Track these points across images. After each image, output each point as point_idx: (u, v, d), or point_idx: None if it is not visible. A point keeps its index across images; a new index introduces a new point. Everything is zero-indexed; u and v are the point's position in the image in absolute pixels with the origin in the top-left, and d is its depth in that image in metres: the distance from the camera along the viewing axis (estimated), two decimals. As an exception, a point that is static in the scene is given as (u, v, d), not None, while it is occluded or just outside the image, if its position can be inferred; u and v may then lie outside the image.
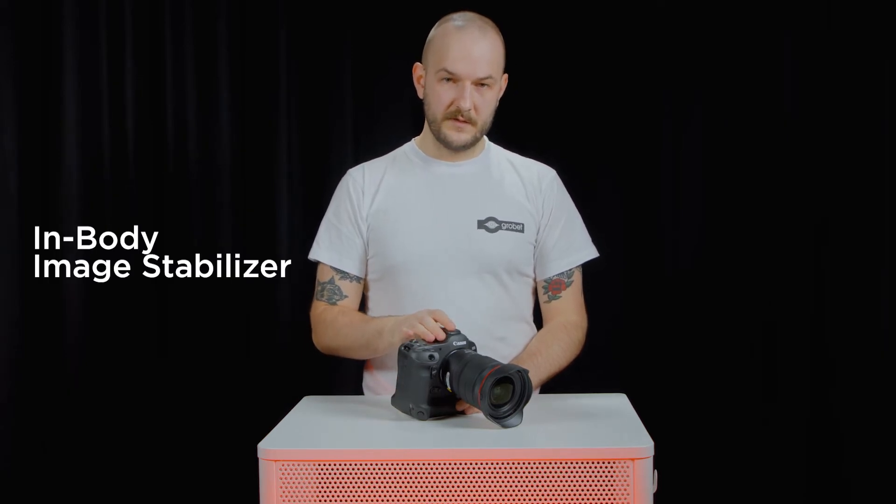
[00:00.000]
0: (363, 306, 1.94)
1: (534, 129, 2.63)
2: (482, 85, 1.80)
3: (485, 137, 1.96)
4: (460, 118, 1.81)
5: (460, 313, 1.68)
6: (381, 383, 1.89)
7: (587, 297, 1.94)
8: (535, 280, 1.93)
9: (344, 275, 1.89)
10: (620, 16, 2.65)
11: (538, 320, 1.94)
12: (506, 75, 1.89)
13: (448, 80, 1.80)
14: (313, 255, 1.93)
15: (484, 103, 1.82)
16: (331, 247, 1.90)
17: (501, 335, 1.86)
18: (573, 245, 1.92)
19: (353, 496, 1.34)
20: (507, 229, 1.87)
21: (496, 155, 1.96)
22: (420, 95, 1.89)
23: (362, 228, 1.89)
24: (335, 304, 1.89)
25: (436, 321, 1.61)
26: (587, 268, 1.95)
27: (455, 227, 1.85)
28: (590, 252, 1.95)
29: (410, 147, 1.96)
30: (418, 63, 1.88)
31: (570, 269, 1.91)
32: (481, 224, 1.86)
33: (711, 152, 2.64)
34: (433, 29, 1.86)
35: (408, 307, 1.80)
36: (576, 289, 1.92)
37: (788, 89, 2.61)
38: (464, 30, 1.80)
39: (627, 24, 2.65)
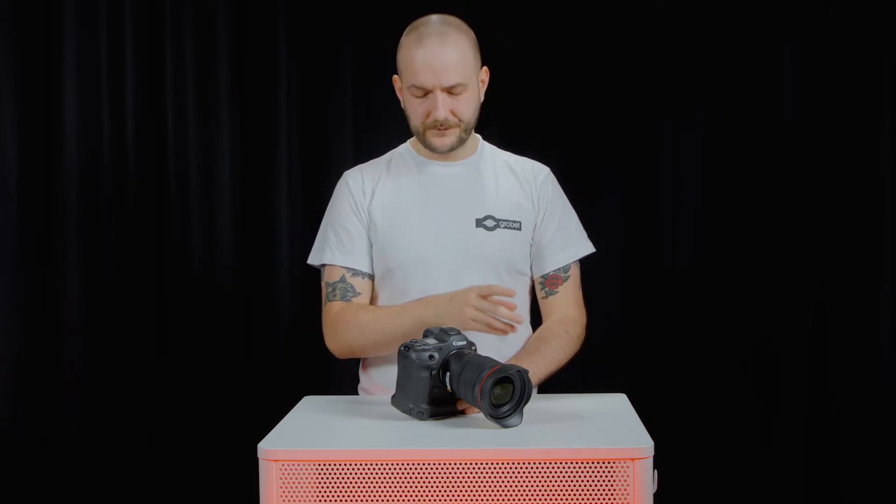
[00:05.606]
0: None
1: (534, 129, 2.64)
2: (455, 93, 1.78)
3: (478, 137, 1.96)
4: (440, 126, 1.80)
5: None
6: (375, 382, 1.89)
7: (587, 295, 1.94)
8: (532, 278, 1.93)
9: (355, 272, 1.87)
10: (621, 16, 2.65)
11: (535, 320, 1.93)
12: (485, 68, 1.87)
13: (420, 93, 1.79)
14: (321, 259, 1.89)
15: (461, 106, 1.80)
16: (339, 247, 1.88)
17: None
18: (569, 240, 1.92)
19: (353, 496, 1.34)
20: (506, 227, 1.87)
21: (490, 154, 1.95)
22: (402, 106, 1.87)
23: (367, 225, 1.89)
24: (350, 301, 1.86)
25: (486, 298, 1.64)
26: (587, 266, 1.95)
27: (453, 227, 1.85)
28: (586, 247, 1.95)
29: (405, 148, 1.96)
30: (396, 75, 1.86)
31: (566, 265, 1.91)
32: (479, 223, 1.86)
33: (711, 152, 2.65)
34: (402, 38, 1.83)
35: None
36: (573, 284, 1.92)
37: (788, 90, 2.61)
38: (423, 42, 1.76)
39: (628, 24, 2.65)
